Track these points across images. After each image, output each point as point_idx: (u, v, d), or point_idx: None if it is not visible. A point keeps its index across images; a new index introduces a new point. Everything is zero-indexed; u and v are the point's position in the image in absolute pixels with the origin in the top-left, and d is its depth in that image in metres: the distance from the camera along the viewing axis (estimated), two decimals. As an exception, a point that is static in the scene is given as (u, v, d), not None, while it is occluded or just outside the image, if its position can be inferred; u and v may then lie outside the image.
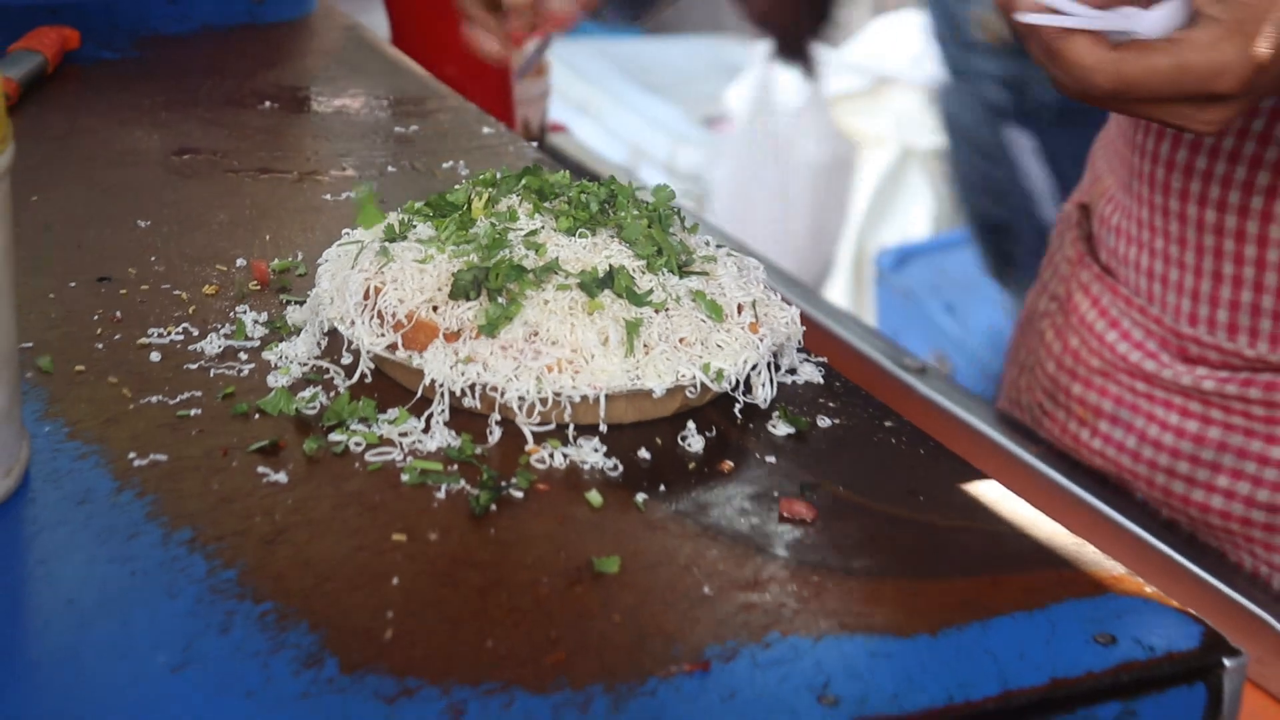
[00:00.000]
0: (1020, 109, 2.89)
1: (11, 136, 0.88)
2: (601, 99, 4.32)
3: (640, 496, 0.94)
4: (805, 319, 1.11)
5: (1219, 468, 1.24)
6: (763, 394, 1.03)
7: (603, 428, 0.99)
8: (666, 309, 1.01)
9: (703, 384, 1.00)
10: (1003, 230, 3.11)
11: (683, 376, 0.99)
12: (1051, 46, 1.00)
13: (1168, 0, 0.99)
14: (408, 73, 1.57)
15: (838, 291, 3.86)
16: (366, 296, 1.02)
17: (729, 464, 0.98)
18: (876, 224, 3.90)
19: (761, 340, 1.03)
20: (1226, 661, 0.85)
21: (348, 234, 1.10)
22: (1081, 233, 1.38)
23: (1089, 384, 1.32)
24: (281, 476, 0.93)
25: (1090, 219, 1.38)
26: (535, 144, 1.60)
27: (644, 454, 0.98)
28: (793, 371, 1.08)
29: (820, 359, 1.09)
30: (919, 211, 3.90)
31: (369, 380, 1.02)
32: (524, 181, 1.08)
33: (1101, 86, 0.98)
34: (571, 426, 0.99)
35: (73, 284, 1.13)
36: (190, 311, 1.10)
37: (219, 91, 1.48)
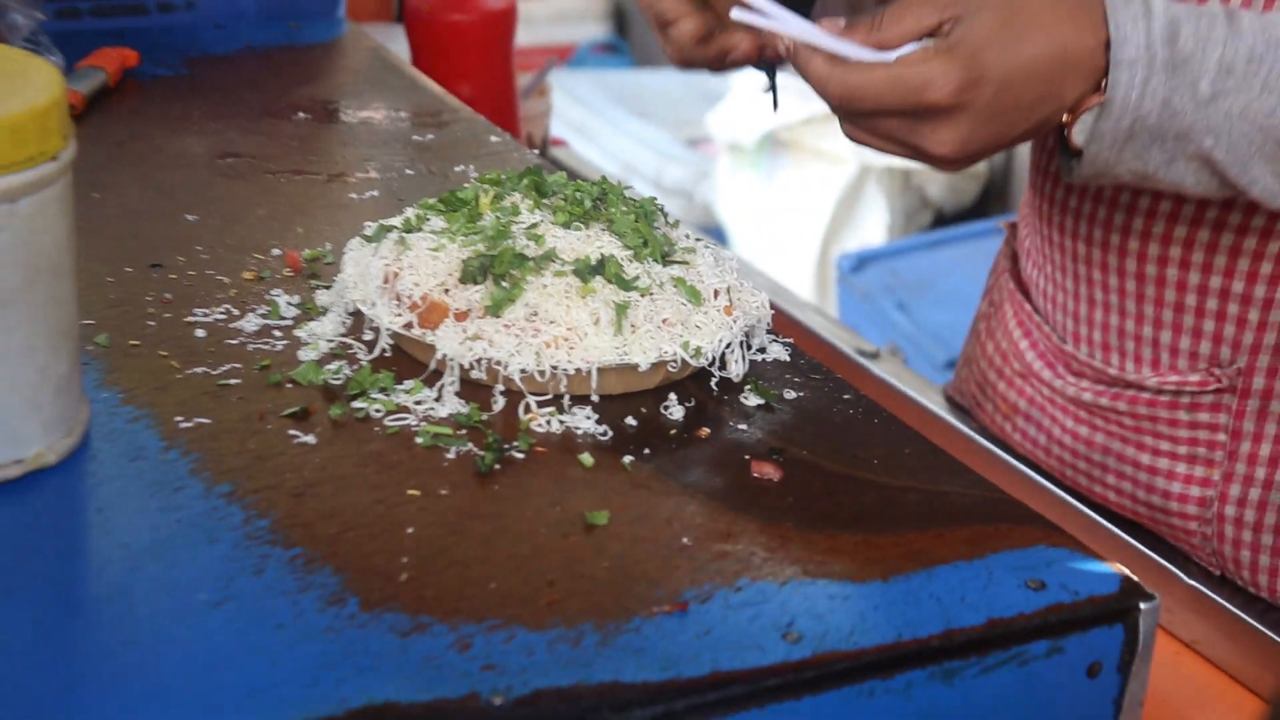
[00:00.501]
0: None
1: (74, 136, 0.88)
2: (596, 121, 4.32)
3: (627, 458, 0.94)
4: (775, 309, 1.11)
5: (1106, 468, 1.24)
6: (736, 369, 1.03)
7: (594, 398, 0.99)
8: (651, 293, 1.00)
9: (683, 360, 1.00)
10: None
11: (665, 353, 0.99)
12: (796, 61, 1.01)
13: (912, 46, 0.99)
14: (425, 90, 1.57)
15: (804, 291, 3.86)
16: (386, 281, 1.02)
17: (706, 430, 0.98)
18: (838, 232, 3.91)
19: (735, 321, 1.03)
20: (1141, 604, 0.85)
21: (368, 225, 1.09)
22: (1009, 249, 1.38)
23: (1010, 384, 1.32)
24: (310, 438, 0.93)
25: (1016, 238, 1.38)
26: (537, 153, 1.59)
27: (630, 421, 0.98)
28: (763, 350, 1.08)
29: (787, 340, 1.09)
30: (875, 221, 3.91)
31: (388, 355, 1.01)
32: (526, 180, 1.08)
33: (832, 96, 0.99)
34: (566, 396, 0.98)
35: (128, 270, 1.13)
36: (231, 294, 1.10)
37: (259, 104, 1.47)
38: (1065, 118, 1.00)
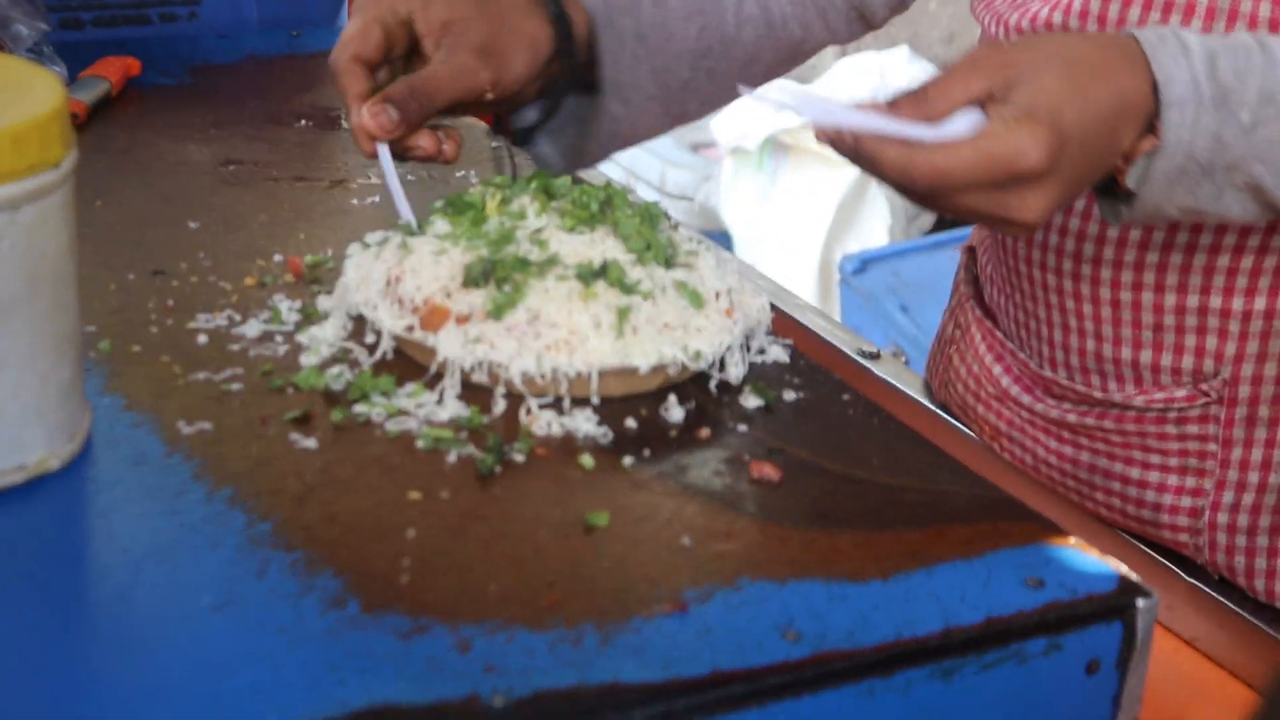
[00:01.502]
0: None
1: (76, 145, 0.88)
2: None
3: (627, 460, 0.94)
4: (776, 310, 1.10)
5: (1094, 485, 1.23)
6: (735, 371, 1.02)
7: (594, 400, 0.98)
8: (653, 297, 1.00)
9: (683, 362, 0.99)
10: None
11: (665, 356, 0.99)
12: (866, 154, 0.94)
13: (961, 114, 0.94)
14: (427, 96, 1.56)
15: (807, 294, 3.85)
16: (388, 284, 1.01)
17: (706, 431, 0.98)
18: (841, 234, 3.90)
19: (735, 324, 1.03)
20: (1139, 602, 0.85)
21: (371, 235, 1.09)
22: (969, 275, 1.37)
23: (989, 407, 1.31)
24: (311, 443, 0.93)
25: (975, 263, 1.37)
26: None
27: (631, 423, 0.97)
28: (762, 352, 1.07)
29: (787, 341, 1.09)
30: (877, 224, 3.90)
31: (389, 358, 1.01)
32: (534, 184, 1.08)
33: (922, 180, 0.93)
34: (567, 399, 0.98)
35: (131, 276, 1.12)
36: (233, 300, 1.09)
37: (261, 111, 1.47)
38: (1120, 164, 0.98)
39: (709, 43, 1.27)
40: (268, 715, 0.72)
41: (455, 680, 0.74)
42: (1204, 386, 1.15)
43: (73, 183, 0.87)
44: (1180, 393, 1.16)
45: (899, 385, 1.46)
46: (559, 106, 1.22)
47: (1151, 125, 0.97)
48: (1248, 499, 1.17)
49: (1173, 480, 1.19)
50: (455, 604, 0.79)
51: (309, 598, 0.79)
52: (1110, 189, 1.00)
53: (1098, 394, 1.20)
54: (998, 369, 1.28)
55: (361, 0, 1.14)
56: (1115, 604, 0.85)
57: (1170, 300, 1.14)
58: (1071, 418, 1.22)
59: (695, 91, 1.29)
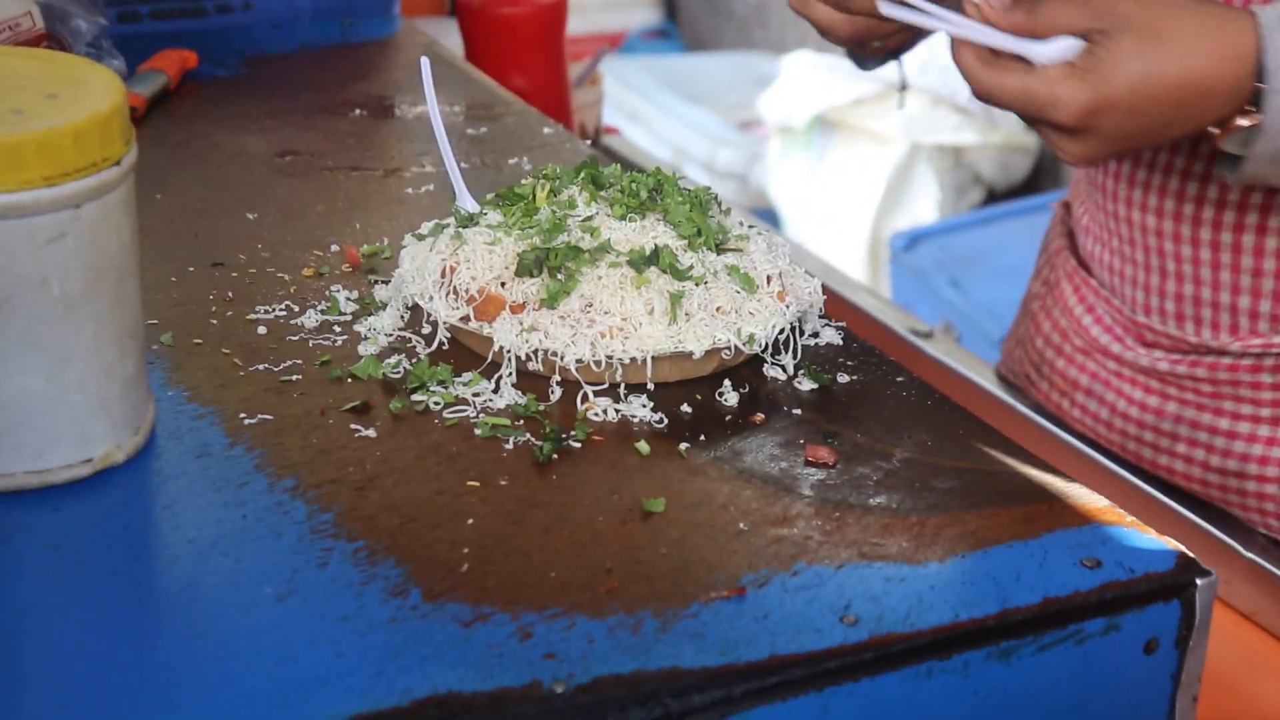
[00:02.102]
0: None
1: (135, 140, 0.88)
2: (648, 107, 4.30)
3: (683, 445, 0.94)
4: (827, 291, 1.10)
5: (1177, 437, 1.23)
6: (788, 355, 1.02)
7: (649, 386, 0.98)
8: (705, 282, 1.00)
9: (737, 347, 0.99)
10: None
11: (719, 340, 0.99)
12: (953, 53, 1.03)
13: (1064, 40, 1.00)
14: (478, 83, 1.56)
15: (856, 271, 3.83)
16: (443, 275, 1.01)
17: (760, 416, 0.97)
18: (890, 211, 3.88)
19: (788, 307, 1.02)
20: (1198, 580, 0.84)
21: (427, 223, 1.09)
22: (1064, 228, 1.37)
23: (1071, 360, 1.30)
24: (371, 432, 0.93)
25: (1070, 216, 1.36)
26: (589, 143, 1.59)
27: (685, 408, 0.97)
28: (815, 335, 1.07)
29: (840, 323, 1.08)
30: (926, 200, 3.88)
31: (445, 348, 1.01)
32: (582, 174, 1.07)
33: (971, 89, 1.02)
34: (622, 385, 0.98)
35: (191, 269, 1.13)
36: (291, 291, 1.10)
37: (315, 101, 1.47)
38: (1216, 132, 1.01)
39: None
40: (331, 703, 0.72)
41: (516, 668, 0.75)
42: None
43: (133, 178, 0.88)
44: (1277, 339, 1.15)
45: (952, 364, 1.45)
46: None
47: (1247, 108, 0.99)
48: None
49: (1264, 431, 1.18)
50: (515, 591, 0.80)
51: (371, 587, 0.80)
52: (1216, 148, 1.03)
53: (1191, 338, 1.19)
54: (1088, 319, 1.28)
55: None
56: (1173, 583, 0.84)
57: (1271, 243, 1.14)
58: (1163, 365, 1.22)
59: None
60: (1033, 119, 1.01)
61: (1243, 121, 0.99)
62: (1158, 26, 0.98)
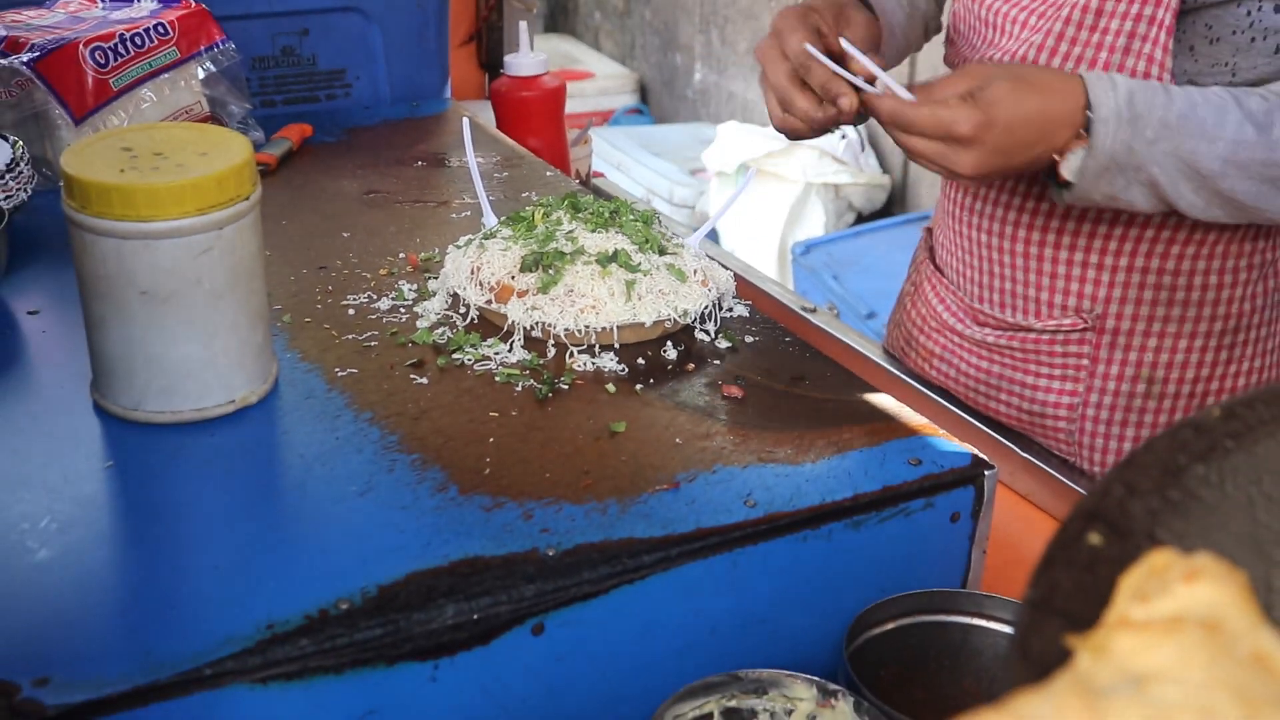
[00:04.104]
0: None
1: (260, 183, 0.86)
2: (626, 160, 4.26)
3: (638, 386, 0.92)
4: (742, 280, 1.08)
5: (1000, 389, 1.22)
6: (711, 323, 1.01)
7: (616, 346, 0.97)
8: (651, 274, 0.98)
9: (675, 319, 0.98)
10: None
11: (663, 314, 0.97)
12: (870, 102, 1.01)
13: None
14: (504, 143, 1.54)
15: (770, 270, 3.81)
16: (473, 272, 1.00)
17: (691, 365, 0.96)
18: (792, 228, 3.85)
19: (710, 291, 1.01)
20: (986, 472, 0.83)
21: (464, 237, 1.07)
22: (927, 245, 1.36)
23: (929, 337, 1.29)
24: (424, 380, 0.91)
25: (931, 237, 1.35)
26: (579, 182, 1.56)
27: (640, 361, 0.96)
28: (730, 310, 1.05)
29: (748, 302, 1.06)
30: (816, 221, 3.85)
31: (475, 322, 1.00)
32: (566, 202, 1.06)
33: (890, 123, 0.99)
34: (596, 346, 0.96)
35: (304, 270, 1.11)
36: (372, 285, 1.08)
37: (391, 157, 1.45)
38: (1056, 157, 0.99)
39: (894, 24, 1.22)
40: (395, 565, 0.71)
41: (522, 539, 0.74)
42: (1084, 316, 1.14)
43: (259, 209, 0.86)
44: (1066, 321, 1.16)
45: (830, 330, 1.43)
46: None
47: (1081, 133, 0.98)
48: (1108, 400, 1.16)
49: (1055, 385, 1.18)
50: (521, 487, 0.79)
51: (423, 485, 0.78)
52: (1054, 179, 1.01)
53: (1009, 319, 1.19)
54: (940, 307, 1.27)
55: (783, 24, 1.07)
56: (969, 474, 0.83)
57: (1063, 255, 1.14)
58: (990, 338, 1.21)
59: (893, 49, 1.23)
60: (939, 137, 0.97)
61: (1077, 145, 0.98)
62: (1021, 75, 0.98)
